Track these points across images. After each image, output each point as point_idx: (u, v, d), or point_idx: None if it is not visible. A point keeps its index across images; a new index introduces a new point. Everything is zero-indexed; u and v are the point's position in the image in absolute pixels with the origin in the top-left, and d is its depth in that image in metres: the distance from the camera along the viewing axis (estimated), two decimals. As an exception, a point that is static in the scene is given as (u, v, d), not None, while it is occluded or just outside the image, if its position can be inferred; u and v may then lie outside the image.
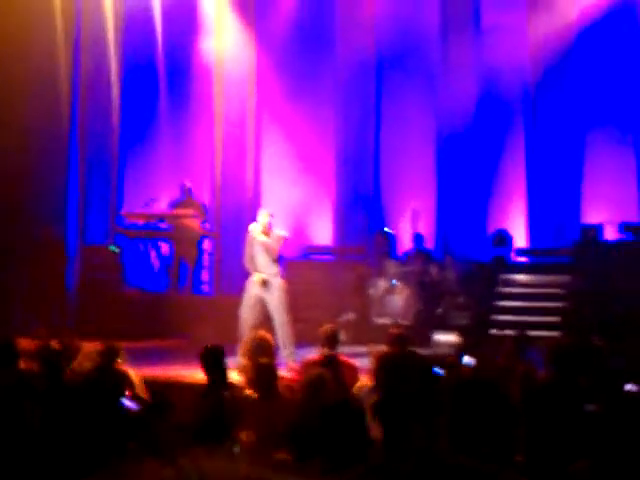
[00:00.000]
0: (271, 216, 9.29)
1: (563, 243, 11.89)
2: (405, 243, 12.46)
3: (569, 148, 12.41)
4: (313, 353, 7.33)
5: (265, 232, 9.18)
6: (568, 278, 11.15)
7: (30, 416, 5.37)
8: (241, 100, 13.77)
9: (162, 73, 13.61)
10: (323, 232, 13.54)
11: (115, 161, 13.38)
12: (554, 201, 12.41)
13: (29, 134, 11.81)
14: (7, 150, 11.47)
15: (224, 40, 13.74)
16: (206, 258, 13.34)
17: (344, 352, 7.52)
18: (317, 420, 4.51)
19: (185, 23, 13.61)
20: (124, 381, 6.53)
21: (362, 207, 13.10)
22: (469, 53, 12.76)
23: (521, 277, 11.74)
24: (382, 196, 13.36)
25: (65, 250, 12.47)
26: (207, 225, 13.10)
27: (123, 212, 13.09)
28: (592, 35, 12.33)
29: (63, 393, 5.67)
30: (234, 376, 6.58)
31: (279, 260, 9.32)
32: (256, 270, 9.15)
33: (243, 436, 5.35)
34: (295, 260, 12.26)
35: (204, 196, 13.42)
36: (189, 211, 12.60)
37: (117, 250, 12.61)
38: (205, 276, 13.43)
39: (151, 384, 7.04)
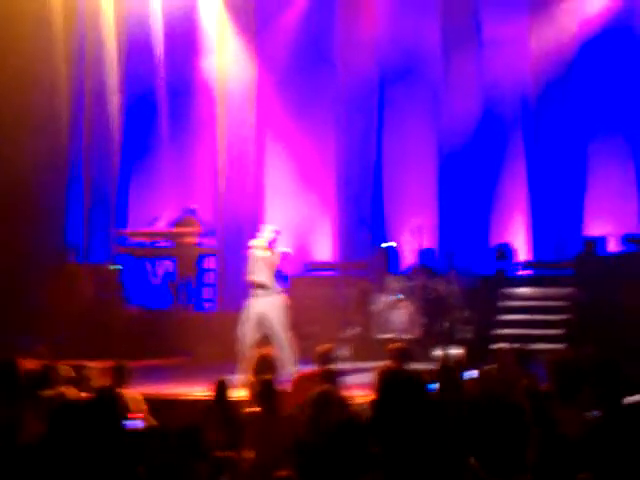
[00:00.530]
0: (276, 233, 9.28)
1: (565, 255, 11.90)
2: (407, 258, 12.46)
3: (570, 161, 12.44)
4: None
5: (268, 248, 9.18)
6: (571, 290, 11.15)
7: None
8: (243, 118, 13.79)
9: (164, 92, 13.65)
10: (325, 248, 13.55)
11: (117, 181, 13.42)
12: (556, 214, 12.42)
13: (30, 154, 11.81)
14: (9, 167, 11.48)
15: (225, 59, 13.78)
16: (210, 275, 13.37)
17: (346, 368, 7.51)
18: (323, 437, 4.49)
19: (186, 42, 13.65)
20: (126, 403, 6.51)
21: (364, 223, 13.10)
22: (470, 68, 12.79)
23: (524, 290, 11.74)
24: (384, 212, 13.38)
25: (67, 270, 12.48)
26: (208, 241, 13.13)
27: (125, 231, 13.16)
28: (593, 48, 12.38)
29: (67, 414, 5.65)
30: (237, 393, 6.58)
31: (281, 277, 9.30)
32: (256, 286, 9.13)
33: (245, 454, 5.34)
34: (297, 276, 12.27)
35: (207, 214, 13.45)
36: (188, 229, 12.66)
37: (118, 269, 12.64)
38: (208, 293, 13.45)
39: (154, 402, 7.04)
